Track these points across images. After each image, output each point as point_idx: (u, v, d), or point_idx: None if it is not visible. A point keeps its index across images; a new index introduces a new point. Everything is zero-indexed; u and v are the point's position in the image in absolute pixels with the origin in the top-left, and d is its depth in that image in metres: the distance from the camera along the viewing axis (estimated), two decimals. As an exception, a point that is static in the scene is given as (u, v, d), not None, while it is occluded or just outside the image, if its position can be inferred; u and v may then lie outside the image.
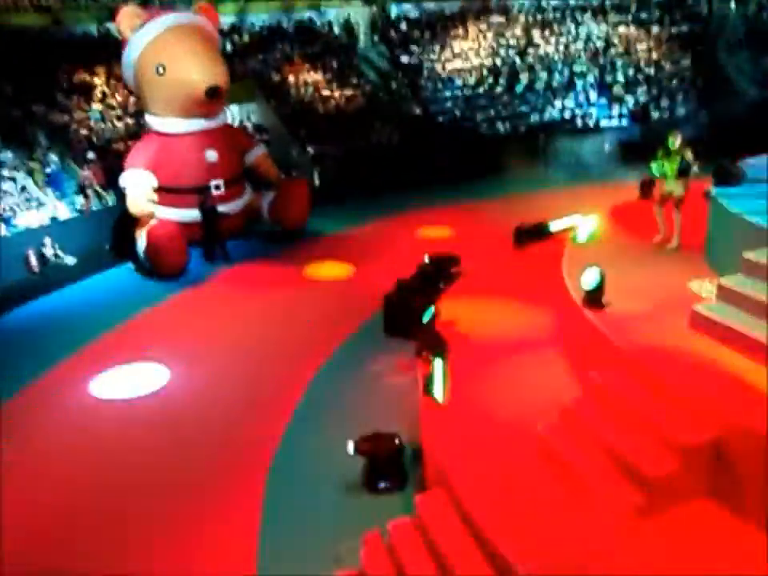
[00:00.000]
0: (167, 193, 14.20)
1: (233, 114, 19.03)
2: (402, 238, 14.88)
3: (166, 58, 13.63)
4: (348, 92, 21.07)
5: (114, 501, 7.20)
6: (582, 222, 9.91)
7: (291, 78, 20.86)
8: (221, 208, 14.48)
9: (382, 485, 7.20)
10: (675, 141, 8.47)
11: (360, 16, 22.91)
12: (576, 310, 7.30)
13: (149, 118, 14.74)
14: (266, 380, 9.62)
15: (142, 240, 13.67)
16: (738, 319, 6.22)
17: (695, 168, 8.46)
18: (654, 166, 8.62)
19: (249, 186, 15.93)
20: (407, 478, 7.24)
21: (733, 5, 24.13)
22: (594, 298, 7.21)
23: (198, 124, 14.40)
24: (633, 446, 5.51)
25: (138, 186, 13.89)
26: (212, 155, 14.54)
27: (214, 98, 13.93)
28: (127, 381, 9.71)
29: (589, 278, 7.19)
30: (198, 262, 14.31)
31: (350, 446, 7.12)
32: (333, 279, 13.38)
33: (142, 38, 13.90)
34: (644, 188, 11.48)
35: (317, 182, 17.94)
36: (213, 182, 14.48)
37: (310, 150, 19.01)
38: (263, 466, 7.68)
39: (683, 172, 8.55)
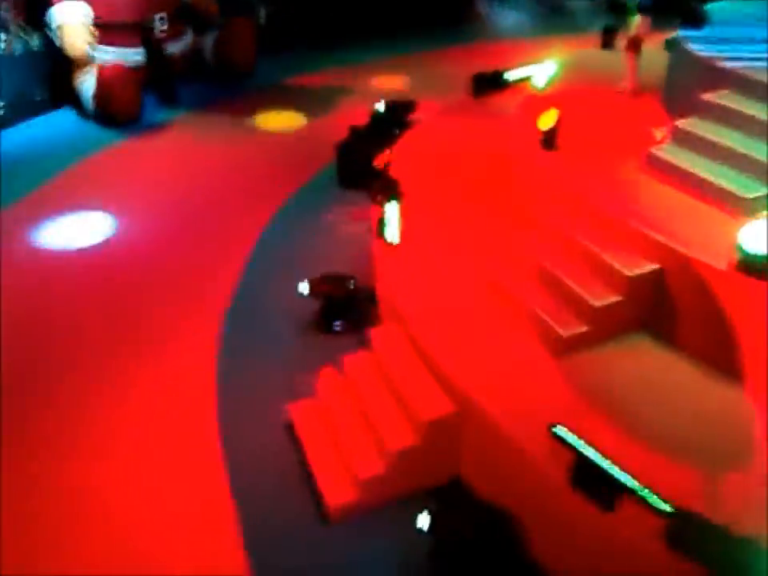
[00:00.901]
0: (106, 30, 13.00)
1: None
2: (356, 87, 14.25)
3: None
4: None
5: (66, 341, 7.21)
6: (541, 68, 9.59)
7: None
8: (167, 47, 13.50)
9: (337, 325, 7.39)
10: None
11: None
12: (531, 152, 7.25)
13: None
14: (217, 228, 9.46)
15: (88, 84, 12.67)
16: (692, 161, 6.28)
17: None
18: None
19: (188, 26, 14.75)
20: (362, 318, 7.41)
21: None
22: (550, 142, 7.16)
23: None
24: (577, 278, 5.71)
25: (74, 20, 12.63)
26: None
27: None
28: (74, 230, 9.39)
29: (545, 122, 7.10)
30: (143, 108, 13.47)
31: (304, 286, 7.20)
32: (284, 129, 12.86)
33: None
34: (606, 35, 11.14)
35: (263, 21, 16.67)
36: (156, 16, 13.30)
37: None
38: (219, 307, 7.75)
39: (643, 9, 8.40)
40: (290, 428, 6.09)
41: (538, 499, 4.75)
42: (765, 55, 6.86)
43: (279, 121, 13.17)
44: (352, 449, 5.56)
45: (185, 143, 12.25)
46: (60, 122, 13.10)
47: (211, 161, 11.50)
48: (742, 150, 6.02)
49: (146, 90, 13.28)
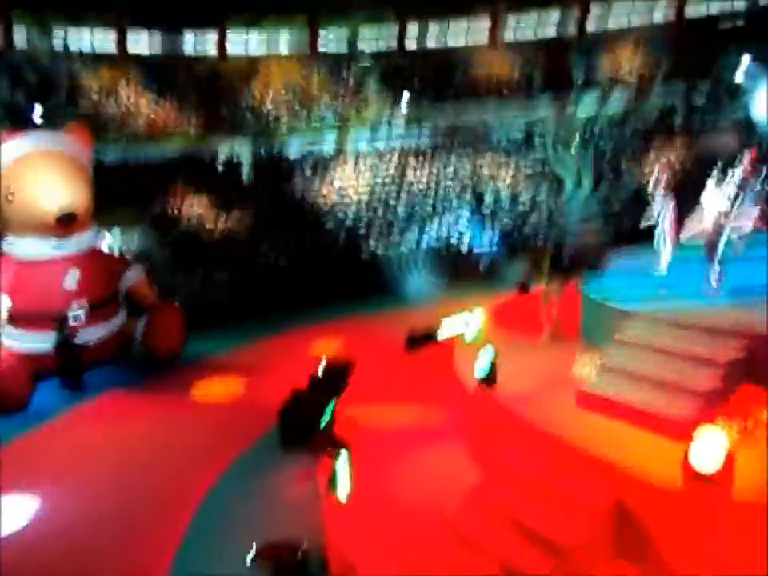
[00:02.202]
0: (20, 318, 13.21)
1: (112, 239, 18.79)
2: (293, 354, 14.75)
3: (15, 184, 13.28)
4: (233, 220, 21.69)
5: None
6: (468, 320, 10.43)
7: (177, 206, 21.24)
8: (84, 334, 13.64)
9: (286, 602, 6.65)
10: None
11: (243, 150, 23.94)
12: (472, 395, 7.52)
13: (4, 240, 14.13)
14: (150, 504, 8.81)
15: None
16: (621, 391, 6.68)
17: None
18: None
19: (123, 310, 15.07)
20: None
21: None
22: (489, 379, 7.53)
23: (60, 247, 13.81)
24: (540, 515, 5.55)
25: None
26: (72, 280, 13.79)
27: (67, 225, 13.52)
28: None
29: (482, 363, 7.54)
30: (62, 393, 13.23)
31: (251, 556, 6.61)
32: (221, 398, 12.89)
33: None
34: (520, 289, 12.54)
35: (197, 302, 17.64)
36: (72, 310, 13.62)
37: (196, 275, 18.95)
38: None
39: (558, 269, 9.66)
40: None
41: None
42: (658, 294, 8.11)
43: (216, 390, 13.24)
44: None
45: (110, 424, 11.84)
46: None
47: (142, 436, 11.14)
48: (661, 376, 6.50)
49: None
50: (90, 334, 13.83)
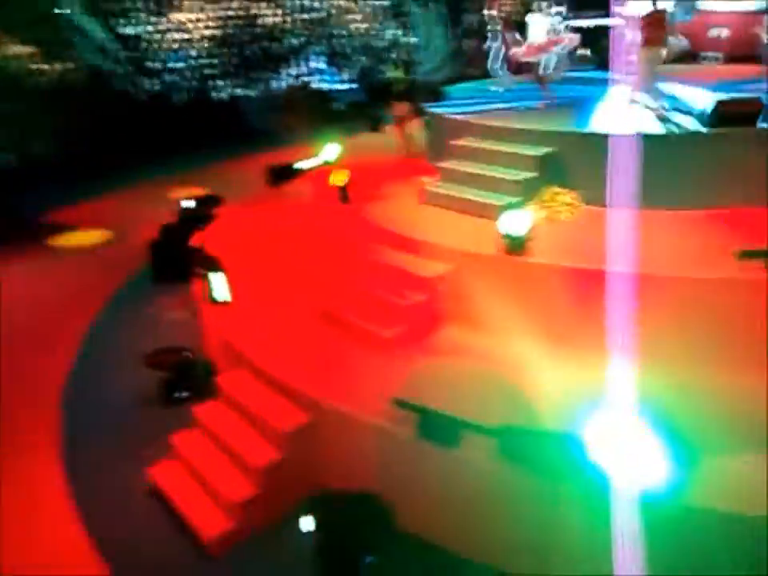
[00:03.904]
0: None
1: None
2: (155, 201, 14.70)
3: None
4: (62, 65, 19.89)
5: None
6: (327, 150, 11.08)
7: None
8: None
9: (179, 395, 7.56)
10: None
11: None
12: (334, 206, 8.45)
13: None
14: (30, 347, 9.15)
15: None
16: (453, 189, 7.85)
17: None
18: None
19: None
20: (203, 387, 7.65)
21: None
22: (344, 196, 8.42)
23: None
24: (386, 288, 6.75)
25: None
26: None
27: None
28: None
29: (338, 177, 8.39)
30: None
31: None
32: (86, 245, 12.91)
33: None
34: (373, 123, 13.22)
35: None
36: None
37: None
38: (53, 400, 7.59)
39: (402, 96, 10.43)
40: (155, 492, 6.10)
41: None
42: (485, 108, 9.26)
43: (79, 238, 13.18)
44: (219, 483, 5.76)
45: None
46: None
47: (13, 282, 11.18)
48: (488, 174, 7.69)
49: None
50: None
